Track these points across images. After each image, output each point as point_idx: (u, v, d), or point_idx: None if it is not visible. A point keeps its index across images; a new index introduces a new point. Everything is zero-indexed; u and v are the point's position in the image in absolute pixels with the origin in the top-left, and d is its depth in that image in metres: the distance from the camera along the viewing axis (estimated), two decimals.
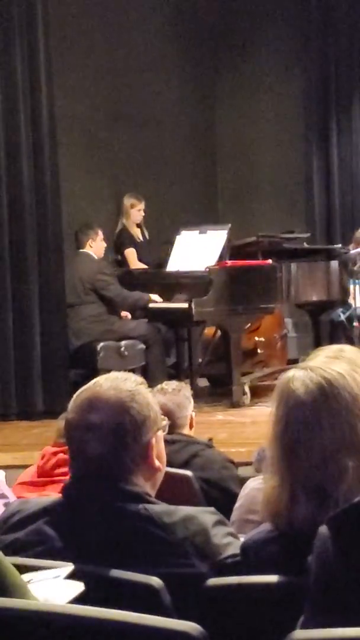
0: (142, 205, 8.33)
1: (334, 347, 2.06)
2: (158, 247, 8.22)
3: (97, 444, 2.13)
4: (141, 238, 8.41)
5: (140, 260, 8.26)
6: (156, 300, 7.39)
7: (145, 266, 8.17)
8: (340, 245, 8.15)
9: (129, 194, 8.37)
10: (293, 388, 1.95)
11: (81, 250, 7.59)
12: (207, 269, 7.07)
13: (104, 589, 1.93)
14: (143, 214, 8.37)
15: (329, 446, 1.91)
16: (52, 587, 1.83)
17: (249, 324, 7.75)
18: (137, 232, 8.37)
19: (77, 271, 7.47)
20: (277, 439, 1.97)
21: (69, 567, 1.91)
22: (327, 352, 2.03)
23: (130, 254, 8.25)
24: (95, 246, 7.61)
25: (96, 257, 7.60)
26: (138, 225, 8.39)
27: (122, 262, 8.27)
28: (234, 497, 3.28)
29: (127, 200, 8.32)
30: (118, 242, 8.30)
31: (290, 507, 1.95)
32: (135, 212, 8.32)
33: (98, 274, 7.41)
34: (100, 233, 7.65)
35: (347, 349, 2.04)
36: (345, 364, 1.96)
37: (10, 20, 7.06)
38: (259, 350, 8.27)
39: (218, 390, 7.61)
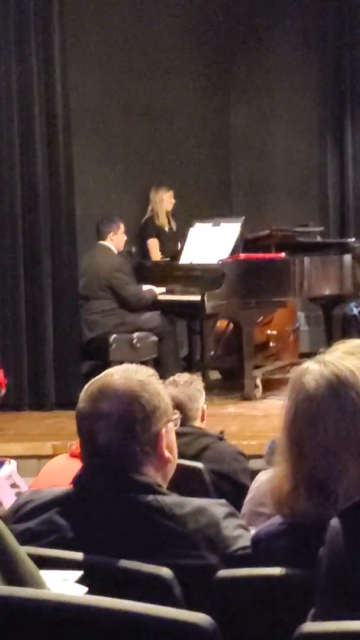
0: (171, 193, 8.34)
1: (354, 342, 2.06)
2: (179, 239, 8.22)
3: (107, 433, 2.13)
4: (167, 229, 8.38)
5: (165, 250, 8.23)
6: (160, 292, 7.40)
7: (166, 258, 8.15)
8: (353, 239, 8.12)
9: (157, 184, 8.37)
10: (304, 382, 1.97)
11: (101, 242, 7.49)
12: (220, 262, 7.07)
13: (115, 579, 1.94)
14: (174, 201, 8.36)
15: (332, 442, 1.92)
16: (55, 586, 1.84)
17: (262, 317, 7.74)
18: (164, 222, 8.34)
19: (96, 263, 7.39)
20: (285, 430, 2.00)
21: (78, 573, 1.91)
22: (345, 347, 2.03)
23: (153, 244, 8.23)
24: (117, 239, 7.52)
25: (116, 251, 7.53)
26: (166, 214, 8.37)
27: (144, 252, 8.24)
28: (244, 489, 3.29)
29: (160, 189, 8.31)
30: (142, 231, 8.27)
31: (291, 498, 1.97)
32: (168, 198, 8.31)
33: (115, 272, 7.33)
34: (122, 226, 7.56)
35: None
36: (359, 361, 1.96)
37: (25, 13, 7.06)
38: (271, 344, 8.26)
39: (230, 383, 7.61)
